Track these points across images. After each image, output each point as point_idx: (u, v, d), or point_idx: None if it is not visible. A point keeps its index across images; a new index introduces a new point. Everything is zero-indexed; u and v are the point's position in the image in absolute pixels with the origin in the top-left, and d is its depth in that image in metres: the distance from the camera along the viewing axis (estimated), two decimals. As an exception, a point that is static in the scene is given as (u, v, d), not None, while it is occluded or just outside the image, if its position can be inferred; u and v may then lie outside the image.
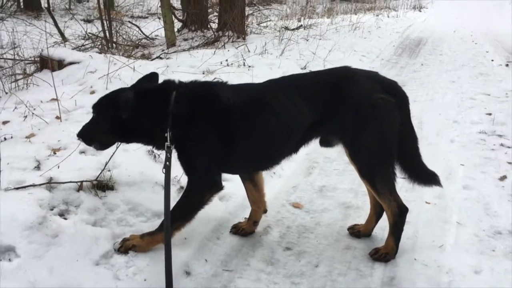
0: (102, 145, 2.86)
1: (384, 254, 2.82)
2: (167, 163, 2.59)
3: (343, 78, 2.80)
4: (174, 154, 2.73)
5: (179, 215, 2.68)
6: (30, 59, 7.10)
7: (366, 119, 2.69)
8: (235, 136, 2.71)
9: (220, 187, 2.77)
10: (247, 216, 3.18)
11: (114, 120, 2.68)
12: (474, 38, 12.57)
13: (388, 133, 2.74)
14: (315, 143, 3.00)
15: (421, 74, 8.25)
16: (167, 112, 2.64)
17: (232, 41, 9.51)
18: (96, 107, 2.79)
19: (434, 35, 13.18)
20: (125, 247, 2.66)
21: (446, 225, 3.20)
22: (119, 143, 3.05)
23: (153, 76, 2.88)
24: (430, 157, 4.35)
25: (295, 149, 2.88)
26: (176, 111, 2.65)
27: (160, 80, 2.90)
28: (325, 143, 2.95)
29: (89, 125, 2.82)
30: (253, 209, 3.12)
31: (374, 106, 2.68)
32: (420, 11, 21.32)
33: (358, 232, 3.11)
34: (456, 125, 5.35)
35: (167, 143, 2.62)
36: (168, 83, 2.79)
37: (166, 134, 2.62)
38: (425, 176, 2.93)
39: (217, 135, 2.67)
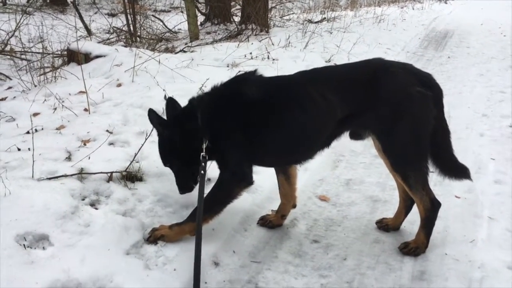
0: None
1: (414, 248, 2.79)
2: (202, 172, 2.65)
3: (377, 70, 2.74)
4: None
5: (208, 207, 2.68)
6: (57, 52, 7.22)
7: (402, 112, 2.64)
8: (265, 130, 2.71)
9: (250, 182, 2.77)
10: (274, 209, 3.18)
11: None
12: (502, 31, 12.25)
13: (423, 127, 2.69)
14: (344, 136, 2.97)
15: (448, 67, 8.09)
16: (198, 127, 2.72)
17: (255, 34, 9.49)
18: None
19: (461, 27, 12.89)
20: (154, 237, 2.69)
21: (478, 220, 3.14)
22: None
23: (172, 101, 2.96)
24: (459, 151, 4.29)
25: (327, 143, 2.86)
26: (205, 122, 2.72)
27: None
28: (355, 136, 2.91)
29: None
30: (282, 203, 3.12)
31: (411, 99, 2.64)
32: (446, 3, 20.87)
33: (387, 226, 3.07)
34: (486, 119, 5.23)
35: (203, 154, 2.68)
36: (191, 101, 2.88)
37: (202, 146, 2.70)
38: (456, 170, 2.88)
39: (246, 130, 2.69)
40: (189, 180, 2.89)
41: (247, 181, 2.76)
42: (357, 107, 2.70)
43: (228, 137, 2.72)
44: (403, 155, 2.71)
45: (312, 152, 2.87)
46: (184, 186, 2.91)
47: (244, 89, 2.74)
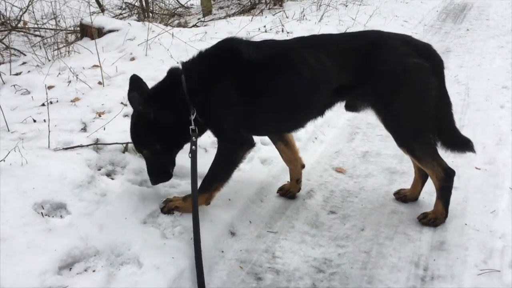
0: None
1: (433, 219, 2.74)
2: (193, 147, 2.52)
3: (375, 42, 2.65)
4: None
5: (215, 176, 2.65)
6: (70, 28, 7.20)
7: (399, 85, 2.57)
8: (257, 94, 2.59)
9: (252, 144, 2.68)
10: (291, 180, 3.15)
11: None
12: (523, 2, 11.86)
13: (422, 99, 2.62)
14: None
15: (467, 40, 7.88)
16: (183, 96, 2.54)
17: (269, 8, 9.35)
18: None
19: (480, -1, 12.53)
20: (168, 207, 2.67)
21: (498, 191, 3.07)
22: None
23: (137, 79, 2.70)
24: (479, 122, 4.22)
25: (321, 112, 2.78)
26: (191, 88, 2.55)
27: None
28: (350, 107, 2.84)
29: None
30: (290, 169, 3.09)
31: (407, 71, 2.56)
32: (464, -25, 20.26)
33: (405, 197, 3.03)
34: (506, 91, 5.09)
35: (192, 127, 2.53)
36: (171, 71, 2.68)
37: (189, 117, 2.53)
38: (459, 143, 2.80)
39: (240, 92, 2.55)
40: (167, 166, 2.70)
41: (249, 144, 2.66)
42: (353, 78, 2.62)
43: (222, 100, 2.56)
44: (406, 129, 2.65)
45: (305, 121, 2.79)
46: (160, 175, 2.69)
47: (240, 48, 2.60)
